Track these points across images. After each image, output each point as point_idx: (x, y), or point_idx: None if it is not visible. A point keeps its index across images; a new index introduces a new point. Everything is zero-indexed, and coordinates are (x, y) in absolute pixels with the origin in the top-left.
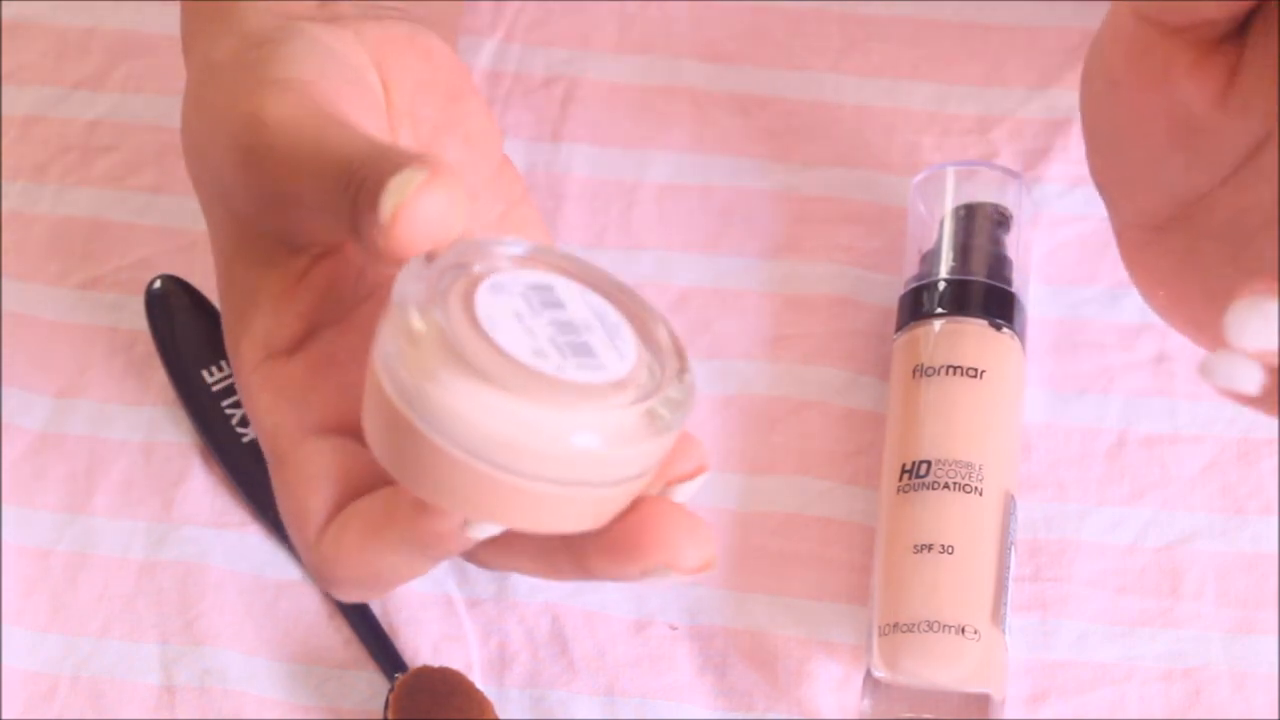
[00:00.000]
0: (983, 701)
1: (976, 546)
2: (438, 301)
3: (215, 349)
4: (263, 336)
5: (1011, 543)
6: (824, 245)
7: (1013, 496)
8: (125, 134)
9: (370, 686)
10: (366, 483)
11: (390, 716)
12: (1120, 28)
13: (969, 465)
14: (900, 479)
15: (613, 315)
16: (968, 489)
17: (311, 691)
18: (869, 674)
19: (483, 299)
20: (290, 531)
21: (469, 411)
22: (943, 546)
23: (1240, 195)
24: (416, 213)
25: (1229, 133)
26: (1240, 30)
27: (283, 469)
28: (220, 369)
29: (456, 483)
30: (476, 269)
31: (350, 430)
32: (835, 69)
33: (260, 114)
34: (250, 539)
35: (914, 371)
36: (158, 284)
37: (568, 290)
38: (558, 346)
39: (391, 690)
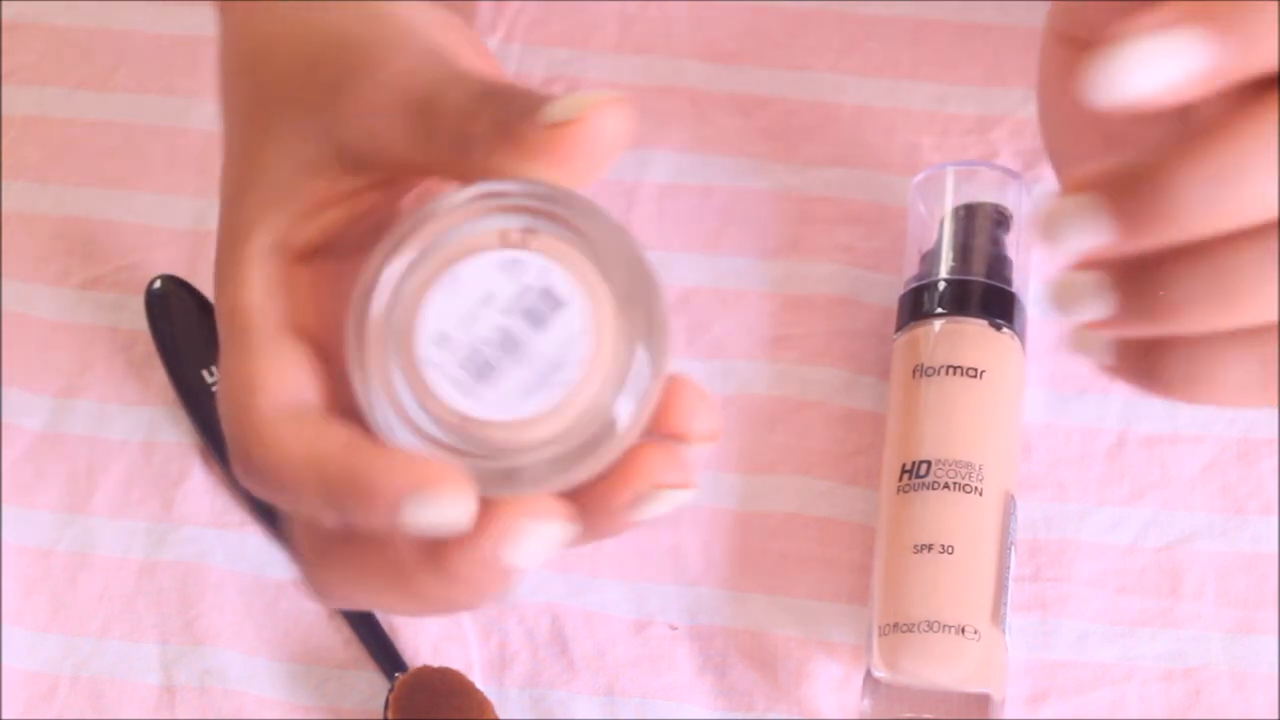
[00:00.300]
0: (983, 701)
1: (976, 546)
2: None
3: (215, 348)
4: (282, 229)
5: (1011, 543)
6: (824, 245)
7: (1013, 496)
8: (126, 134)
9: (370, 686)
10: (332, 408)
11: (390, 716)
12: (1046, 52)
13: (969, 465)
14: (900, 479)
15: (566, 360)
16: (968, 489)
17: (311, 691)
18: (869, 674)
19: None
20: (227, 402)
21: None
22: (943, 546)
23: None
24: (599, 123)
25: (1150, 132)
26: None
27: (246, 334)
28: None
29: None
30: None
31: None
32: (835, 69)
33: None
34: (250, 539)
35: (914, 371)
36: (158, 284)
37: (567, 307)
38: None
39: (391, 690)
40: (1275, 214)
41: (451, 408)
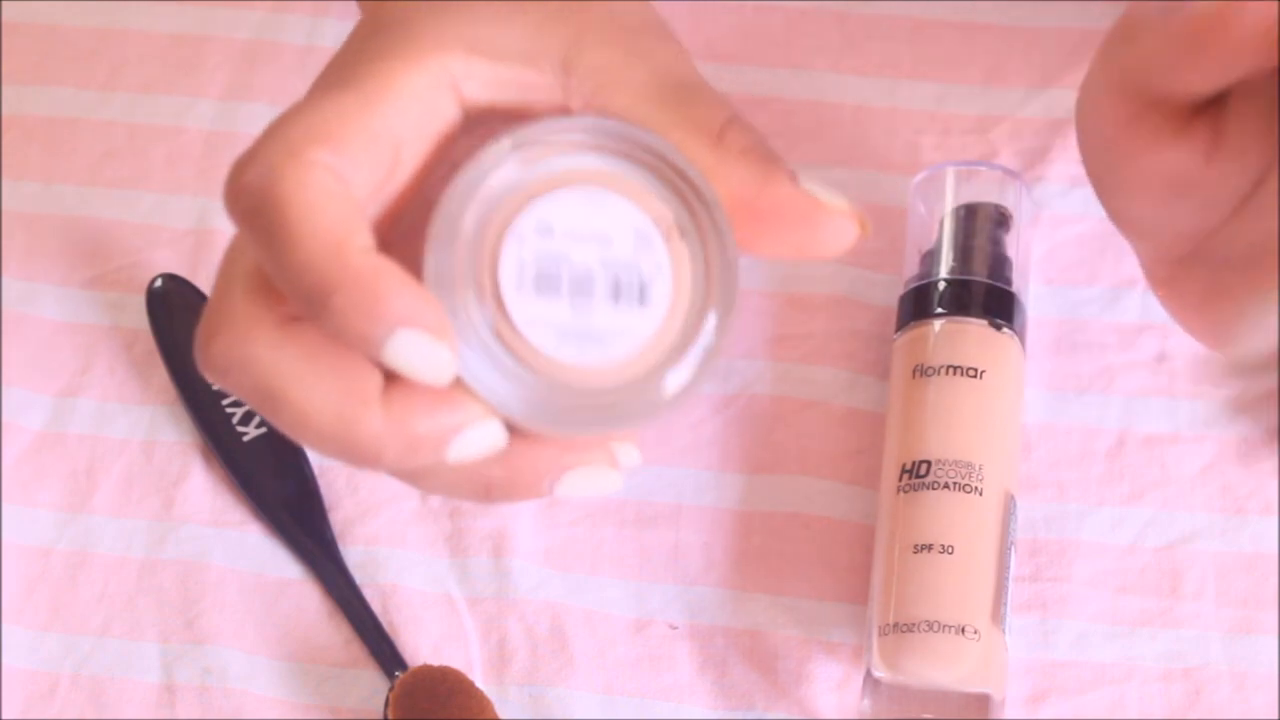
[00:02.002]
0: (983, 701)
1: (976, 546)
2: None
3: None
4: (475, 71)
5: (1011, 543)
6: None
7: (1013, 496)
8: (126, 134)
9: (370, 685)
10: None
11: (390, 715)
12: (1103, 103)
13: (969, 465)
14: (900, 479)
15: (656, 254)
16: (968, 489)
17: (311, 690)
18: (869, 674)
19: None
20: (285, 118)
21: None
22: (943, 546)
23: (1247, 228)
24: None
25: (1223, 183)
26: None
27: (364, 99)
28: None
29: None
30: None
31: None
32: (835, 69)
33: None
34: (250, 538)
35: (914, 371)
36: (159, 283)
37: (625, 215)
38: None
39: (391, 689)
40: None
41: (533, 345)
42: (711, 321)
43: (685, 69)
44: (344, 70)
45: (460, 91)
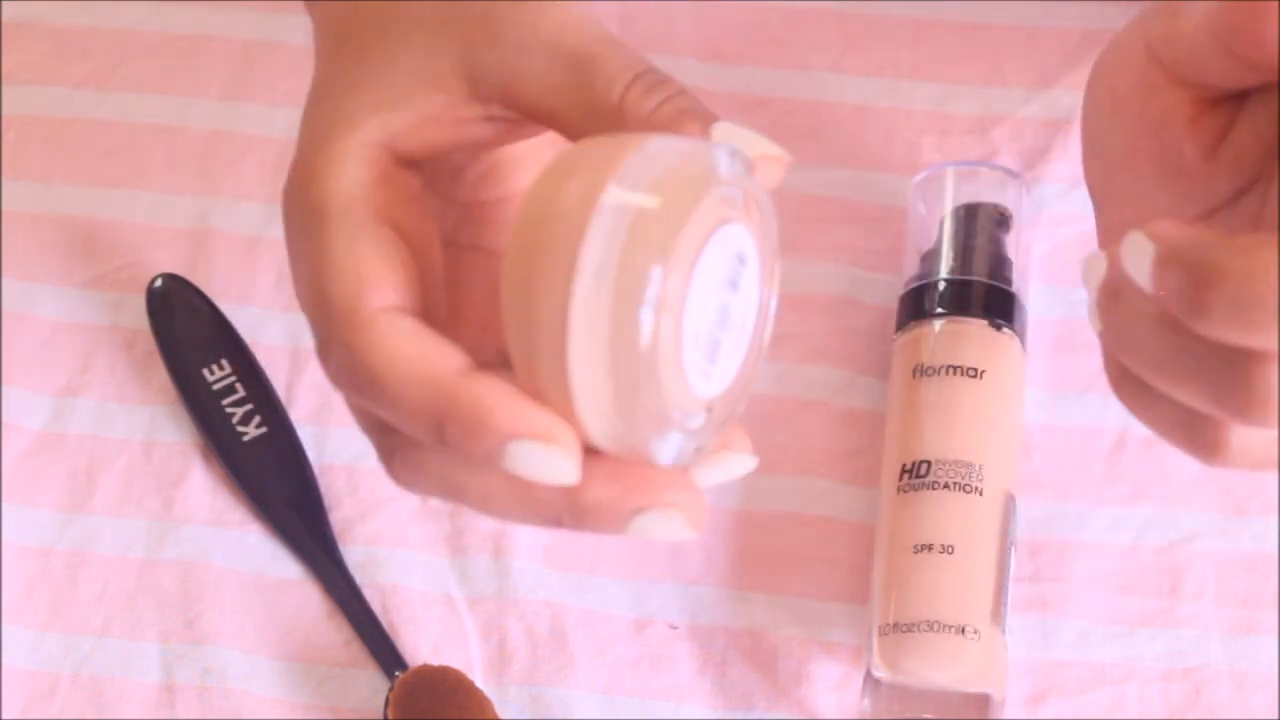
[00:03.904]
0: (983, 701)
1: (976, 546)
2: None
3: (216, 347)
4: (395, 131)
5: (1011, 543)
6: (824, 245)
7: (1013, 496)
8: (126, 133)
9: (370, 685)
10: (432, 308)
11: (390, 715)
12: (1129, 61)
13: (969, 465)
14: (900, 479)
15: (747, 313)
16: (968, 489)
17: (312, 690)
18: (869, 674)
19: (707, 262)
20: (329, 289)
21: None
22: (943, 546)
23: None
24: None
25: (1214, 182)
26: (1239, 95)
27: (348, 234)
28: (221, 367)
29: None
30: (718, 199)
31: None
32: (835, 68)
33: None
34: (250, 538)
35: (914, 371)
36: (159, 282)
37: (749, 261)
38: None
39: (391, 689)
40: None
41: (694, 392)
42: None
43: (574, 36)
44: (306, 188)
45: (396, 151)
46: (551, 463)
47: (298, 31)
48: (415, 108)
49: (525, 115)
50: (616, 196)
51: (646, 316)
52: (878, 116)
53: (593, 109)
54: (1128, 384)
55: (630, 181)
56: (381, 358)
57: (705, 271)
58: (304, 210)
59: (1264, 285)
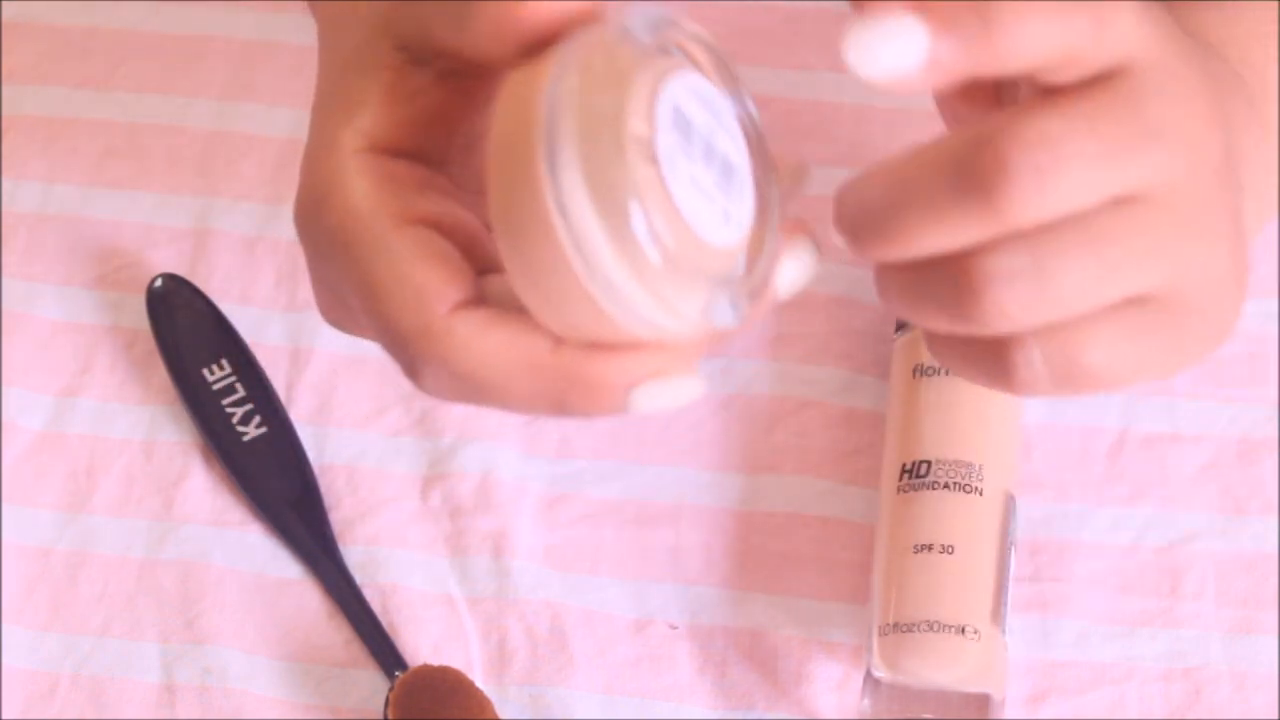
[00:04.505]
0: (983, 701)
1: (976, 546)
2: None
3: (216, 347)
4: (368, 128)
5: (1011, 543)
6: (824, 245)
7: (1013, 496)
8: (126, 133)
9: (370, 685)
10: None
11: (390, 715)
12: None
13: (969, 465)
14: (900, 479)
15: (742, 153)
16: (968, 489)
17: (312, 690)
18: (869, 674)
19: (663, 112)
20: (389, 314)
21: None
22: (943, 546)
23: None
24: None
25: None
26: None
27: (382, 253)
28: (221, 367)
29: (550, 279)
30: (659, 53)
31: (455, 235)
32: (835, 68)
33: None
34: (251, 538)
35: (914, 371)
36: (159, 282)
37: (722, 107)
38: (707, 189)
39: (392, 689)
40: None
41: (697, 233)
42: (766, 262)
43: None
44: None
45: (381, 147)
46: (675, 392)
47: (298, 31)
48: (372, 96)
49: (455, 60)
50: (554, 90)
51: (621, 176)
52: (878, 116)
53: (494, 37)
54: (928, 341)
55: (560, 72)
56: (476, 363)
57: (665, 117)
58: (324, 238)
59: (868, 198)
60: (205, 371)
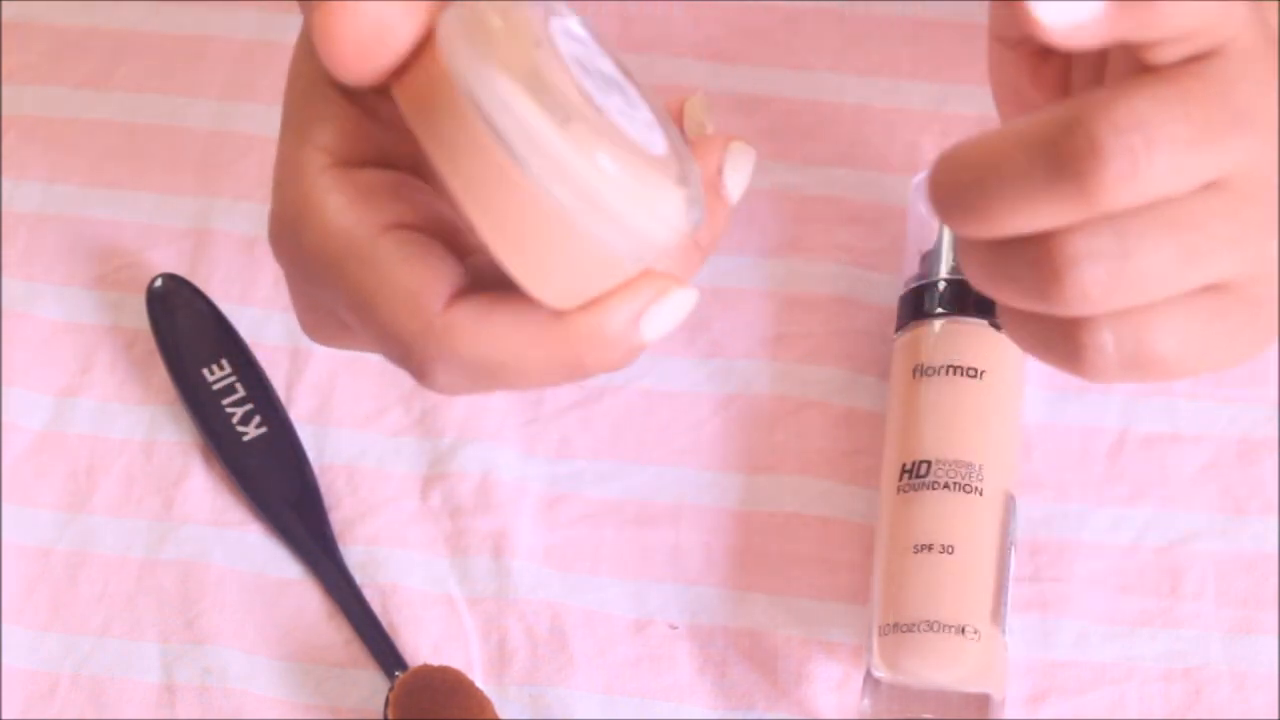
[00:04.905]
0: (983, 701)
1: (976, 546)
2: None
3: (216, 347)
4: (331, 144)
5: (1011, 543)
6: (824, 245)
7: (1013, 496)
8: (126, 133)
9: (370, 685)
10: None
11: (390, 715)
12: (991, 52)
13: (969, 465)
14: (900, 479)
15: (620, 73)
16: (968, 489)
17: (312, 690)
18: (869, 674)
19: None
20: (388, 322)
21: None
22: (943, 546)
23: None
24: None
25: None
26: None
27: (369, 264)
28: (221, 367)
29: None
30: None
31: (435, 230)
32: (835, 68)
33: None
34: (251, 538)
35: (914, 371)
36: (158, 282)
37: (583, 35)
38: (620, 111)
39: (391, 689)
40: None
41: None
42: (696, 169)
43: None
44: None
45: (346, 158)
46: (677, 306)
47: (297, 32)
48: (330, 111)
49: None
50: (448, 45)
51: (552, 78)
52: (878, 116)
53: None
54: (1003, 317)
55: (446, 34)
56: (485, 348)
57: (562, 44)
58: (306, 259)
59: (959, 177)
60: (205, 371)
